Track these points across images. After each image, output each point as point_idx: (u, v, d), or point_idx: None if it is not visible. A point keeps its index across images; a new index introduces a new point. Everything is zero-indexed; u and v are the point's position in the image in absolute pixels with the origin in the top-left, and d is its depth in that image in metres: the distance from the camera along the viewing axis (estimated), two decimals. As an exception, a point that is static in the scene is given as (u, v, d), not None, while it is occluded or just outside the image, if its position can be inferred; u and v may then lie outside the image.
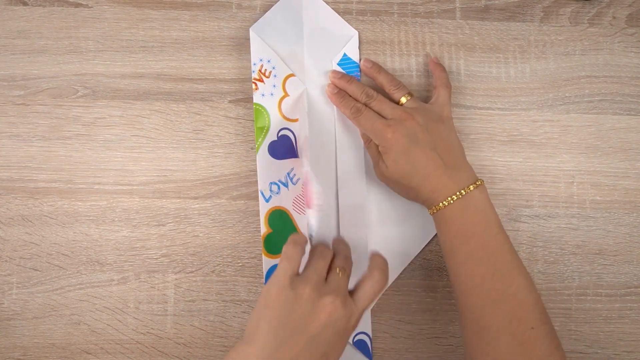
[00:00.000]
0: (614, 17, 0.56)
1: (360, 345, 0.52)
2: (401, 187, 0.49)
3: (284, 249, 0.42)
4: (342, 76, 0.52)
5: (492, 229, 0.45)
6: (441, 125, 0.48)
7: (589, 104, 0.55)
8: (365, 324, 0.52)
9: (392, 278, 0.53)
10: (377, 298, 0.44)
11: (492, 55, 0.55)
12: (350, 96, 0.51)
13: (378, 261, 0.44)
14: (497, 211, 0.54)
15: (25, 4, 0.54)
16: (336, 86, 0.52)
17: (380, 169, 0.49)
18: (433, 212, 0.47)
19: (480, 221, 0.45)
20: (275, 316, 0.38)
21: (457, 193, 0.45)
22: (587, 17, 0.56)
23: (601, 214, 0.55)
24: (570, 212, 0.55)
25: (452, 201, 0.45)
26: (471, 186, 0.46)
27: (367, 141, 0.51)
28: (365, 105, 0.50)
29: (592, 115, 0.55)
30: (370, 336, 0.52)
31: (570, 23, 0.56)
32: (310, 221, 0.52)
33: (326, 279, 0.41)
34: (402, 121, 0.47)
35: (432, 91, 0.52)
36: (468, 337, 0.45)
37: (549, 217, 0.54)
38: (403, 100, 0.50)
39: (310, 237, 0.50)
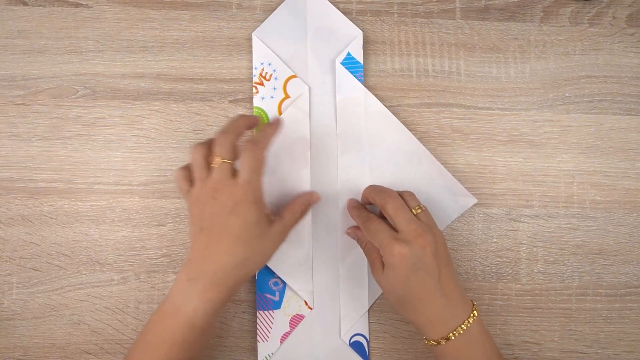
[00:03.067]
0: (614, 17, 0.56)
1: (356, 347, 0.52)
2: (395, 306, 0.47)
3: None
4: (357, 205, 0.51)
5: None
6: (446, 248, 0.46)
7: (589, 104, 0.55)
8: (363, 326, 0.52)
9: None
10: (259, 171, 0.45)
11: (492, 55, 0.55)
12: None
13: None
14: (497, 211, 0.54)
15: (25, 4, 0.54)
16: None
17: (377, 274, 0.47)
18: (431, 345, 0.45)
19: (483, 356, 0.45)
20: (189, 222, 0.46)
21: (458, 329, 0.44)
22: (587, 17, 0.56)
23: (601, 214, 0.55)
24: (570, 212, 0.55)
25: (452, 338, 0.44)
26: (470, 319, 0.44)
27: (363, 243, 0.50)
28: (382, 204, 0.47)
29: (592, 115, 0.55)
30: (367, 338, 0.52)
31: (570, 23, 0.56)
32: (313, 222, 0.52)
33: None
34: (415, 241, 0.44)
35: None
36: None
37: (549, 217, 0.54)
38: (417, 210, 0.47)
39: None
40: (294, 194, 0.52)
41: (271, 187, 0.52)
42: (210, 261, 0.44)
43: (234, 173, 0.45)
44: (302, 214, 0.49)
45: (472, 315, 0.45)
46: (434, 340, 0.45)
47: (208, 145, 0.45)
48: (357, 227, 0.51)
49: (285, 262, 0.52)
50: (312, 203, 0.51)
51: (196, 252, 0.44)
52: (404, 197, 0.48)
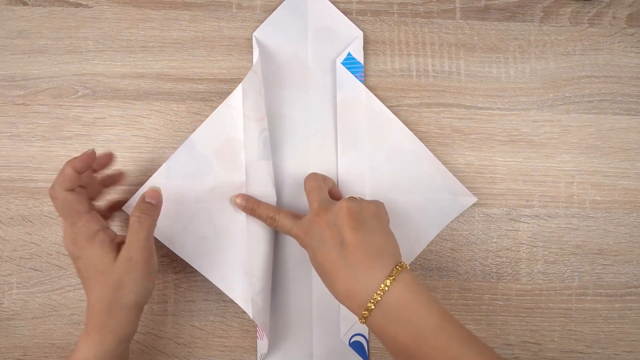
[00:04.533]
0: (614, 17, 0.56)
1: (356, 347, 0.52)
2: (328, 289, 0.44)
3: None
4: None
5: (426, 340, 0.39)
6: (357, 214, 0.43)
7: (589, 104, 0.55)
8: (362, 326, 0.52)
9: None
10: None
11: (492, 55, 0.55)
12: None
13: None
14: (497, 211, 0.54)
15: (25, 4, 0.54)
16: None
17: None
18: (362, 322, 0.42)
19: (410, 334, 0.39)
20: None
21: (372, 300, 0.40)
22: (587, 17, 0.56)
23: (601, 214, 0.55)
24: (570, 212, 0.55)
25: (371, 309, 0.40)
26: (384, 286, 0.40)
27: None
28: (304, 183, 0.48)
29: (592, 115, 0.55)
30: (367, 338, 0.52)
31: (570, 23, 0.56)
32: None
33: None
34: (312, 222, 0.44)
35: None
36: None
37: (549, 217, 0.54)
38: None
39: None
40: (231, 199, 0.50)
41: (205, 195, 0.50)
42: (88, 308, 0.43)
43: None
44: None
45: (389, 277, 0.40)
46: (361, 316, 0.41)
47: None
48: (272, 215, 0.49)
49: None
50: (149, 199, 0.46)
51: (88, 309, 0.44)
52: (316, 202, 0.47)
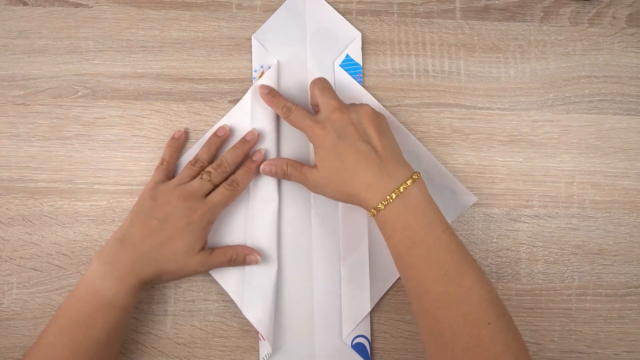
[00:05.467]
0: (614, 17, 0.56)
1: (358, 348, 0.52)
2: (334, 189, 0.47)
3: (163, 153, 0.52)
4: (270, 89, 0.52)
5: (435, 228, 0.44)
6: (377, 119, 0.47)
7: (589, 104, 0.55)
8: (365, 328, 0.52)
9: (393, 279, 0.53)
10: (228, 203, 0.50)
11: (492, 55, 0.55)
12: (281, 97, 0.52)
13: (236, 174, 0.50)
14: (497, 211, 0.54)
15: (25, 4, 0.54)
16: (266, 88, 0.52)
17: (312, 173, 0.48)
18: (373, 215, 0.45)
19: (423, 222, 0.44)
20: (135, 206, 0.49)
21: (396, 190, 0.44)
22: (587, 17, 0.56)
23: (601, 214, 0.55)
24: (570, 212, 0.55)
25: (391, 200, 0.44)
26: (408, 181, 0.44)
27: (281, 171, 0.51)
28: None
29: (592, 115, 0.55)
30: (370, 339, 0.52)
31: (570, 23, 0.56)
32: (313, 224, 0.52)
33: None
34: (332, 116, 0.47)
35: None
36: (425, 341, 0.43)
37: (549, 217, 0.54)
38: None
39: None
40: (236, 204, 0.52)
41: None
42: (138, 249, 0.46)
43: (207, 194, 0.49)
44: (230, 263, 0.50)
45: (412, 177, 0.45)
46: (374, 209, 0.45)
47: (203, 160, 0.51)
48: (269, 163, 0.51)
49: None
50: (248, 262, 0.51)
51: (126, 236, 0.47)
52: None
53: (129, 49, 0.54)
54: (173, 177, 0.52)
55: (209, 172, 0.50)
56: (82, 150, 0.53)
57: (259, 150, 0.52)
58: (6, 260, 0.52)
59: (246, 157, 0.52)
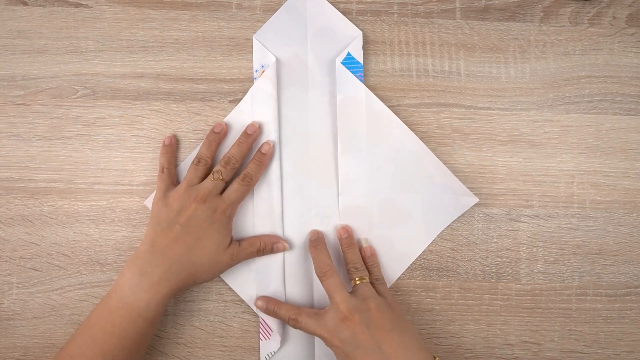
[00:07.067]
0: (614, 17, 0.56)
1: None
2: None
3: (160, 160, 0.52)
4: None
5: None
6: (386, 315, 0.47)
7: (589, 104, 0.55)
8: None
9: (393, 279, 0.53)
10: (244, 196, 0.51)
11: (492, 55, 0.55)
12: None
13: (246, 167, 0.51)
14: (497, 211, 0.54)
15: (25, 4, 0.54)
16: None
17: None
18: None
19: None
20: (153, 217, 0.49)
21: None
22: (587, 17, 0.56)
23: (601, 214, 0.55)
24: (570, 212, 0.55)
25: None
26: None
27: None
28: (322, 280, 0.49)
29: (592, 115, 0.55)
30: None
31: (570, 23, 0.56)
32: (313, 224, 0.52)
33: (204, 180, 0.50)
34: (340, 322, 0.46)
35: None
36: None
37: (549, 217, 0.54)
38: (357, 281, 0.49)
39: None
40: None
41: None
42: (169, 257, 0.47)
43: (221, 191, 0.50)
44: (259, 252, 0.51)
45: None
46: None
47: (207, 158, 0.51)
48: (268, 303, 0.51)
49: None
50: (276, 250, 0.52)
51: (154, 246, 0.47)
52: (351, 263, 0.50)
53: (129, 49, 0.54)
54: (178, 181, 0.52)
55: (219, 170, 0.50)
56: (82, 150, 0.53)
57: (266, 142, 0.52)
58: (6, 260, 0.52)
59: (252, 150, 0.52)
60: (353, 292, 0.49)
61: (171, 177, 0.52)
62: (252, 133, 0.52)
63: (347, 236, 0.52)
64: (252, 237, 0.52)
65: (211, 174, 0.50)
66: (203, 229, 0.48)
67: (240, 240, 0.51)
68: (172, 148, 0.52)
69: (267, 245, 0.51)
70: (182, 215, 0.48)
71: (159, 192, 0.50)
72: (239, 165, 0.51)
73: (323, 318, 0.47)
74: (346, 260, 0.51)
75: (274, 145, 0.52)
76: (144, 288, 0.46)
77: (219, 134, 0.52)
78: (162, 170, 0.51)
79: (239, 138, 0.52)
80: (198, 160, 0.51)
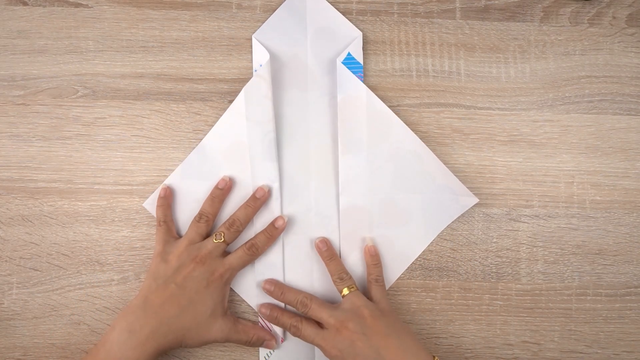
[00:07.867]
0: (614, 17, 0.56)
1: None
2: None
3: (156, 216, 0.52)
4: (276, 285, 0.51)
5: None
6: (380, 321, 0.47)
7: (589, 104, 0.55)
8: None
9: (393, 279, 0.53)
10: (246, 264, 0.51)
11: (492, 55, 0.55)
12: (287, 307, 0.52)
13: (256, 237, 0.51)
14: (497, 211, 0.54)
15: (25, 4, 0.54)
16: (272, 293, 0.51)
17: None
18: None
19: None
20: (150, 272, 0.49)
21: None
22: (587, 17, 0.56)
23: (601, 214, 0.55)
24: (570, 212, 0.55)
25: None
26: None
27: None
28: (302, 310, 0.50)
29: (592, 115, 0.55)
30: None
31: (570, 23, 0.56)
32: (313, 224, 0.52)
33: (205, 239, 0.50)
34: (337, 333, 0.47)
35: (367, 285, 0.52)
36: None
37: (549, 217, 0.54)
38: (345, 291, 0.50)
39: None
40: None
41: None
42: (159, 316, 0.46)
43: (224, 254, 0.50)
44: (247, 344, 0.50)
45: None
46: None
47: (209, 218, 0.51)
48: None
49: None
50: (265, 346, 0.51)
51: (146, 302, 0.47)
52: (335, 274, 0.50)
53: (129, 49, 0.54)
54: (178, 234, 0.52)
55: (222, 232, 0.50)
56: (82, 150, 0.53)
57: (280, 216, 0.52)
58: (6, 260, 0.52)
59: (256, 213, 0.52)
60: (343, 302, 0.49)
61: (169, 230, 0.51)
62: (260, 197, 0.51)
63: (326, 249, 0.52)
64: (249, 325, 0.51)
65: (213, 235, 0.50)
66: (198, 291, 0.48)
67: (236, 318, 0.51)
68: (168, 200, 0.52)
69: (259, 340, 0.51)
70: (179, 274, 0.48)
71: (158, 245, 0.50)
72: (243, 229, 0.51)
73: (322, 330, 0.48)
74: (330, 272, 0.51)
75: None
76: (132, 346, 0.45)
77: (223, 190, 0.51)
78: (159, 224, 0.51)
79: (247, 201, 0.51)
80: (200, 216, 0.51)
